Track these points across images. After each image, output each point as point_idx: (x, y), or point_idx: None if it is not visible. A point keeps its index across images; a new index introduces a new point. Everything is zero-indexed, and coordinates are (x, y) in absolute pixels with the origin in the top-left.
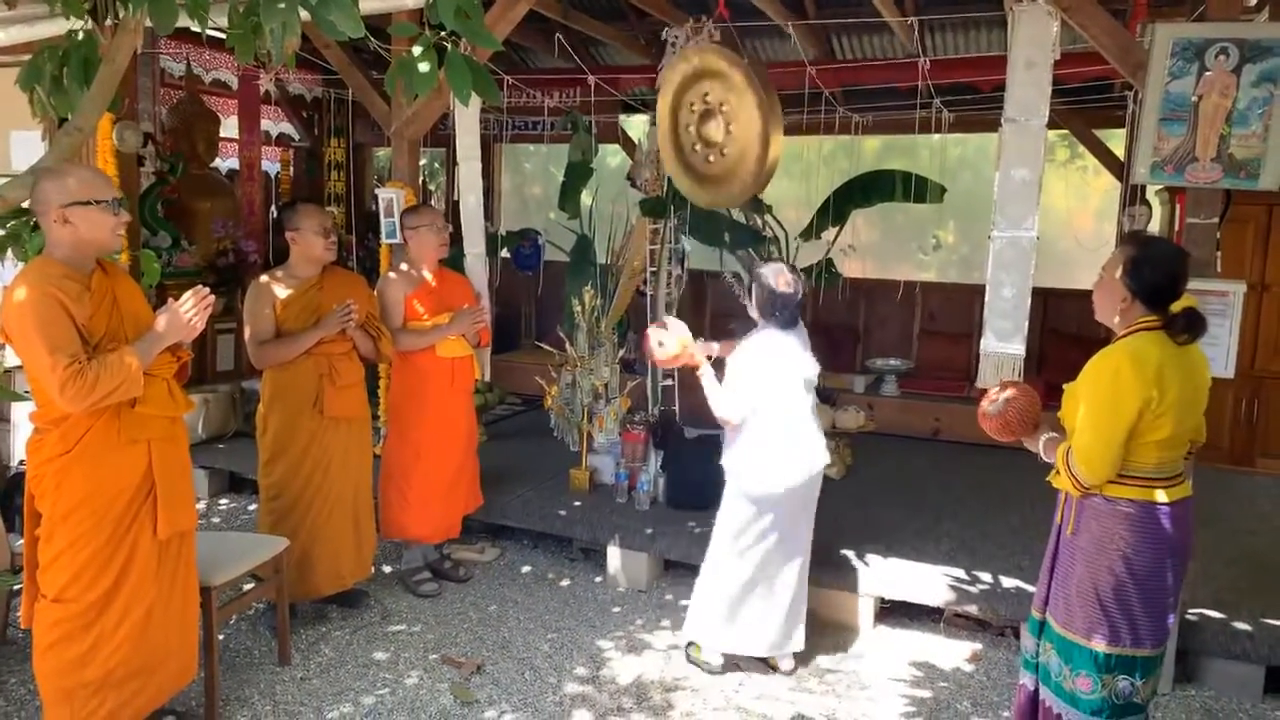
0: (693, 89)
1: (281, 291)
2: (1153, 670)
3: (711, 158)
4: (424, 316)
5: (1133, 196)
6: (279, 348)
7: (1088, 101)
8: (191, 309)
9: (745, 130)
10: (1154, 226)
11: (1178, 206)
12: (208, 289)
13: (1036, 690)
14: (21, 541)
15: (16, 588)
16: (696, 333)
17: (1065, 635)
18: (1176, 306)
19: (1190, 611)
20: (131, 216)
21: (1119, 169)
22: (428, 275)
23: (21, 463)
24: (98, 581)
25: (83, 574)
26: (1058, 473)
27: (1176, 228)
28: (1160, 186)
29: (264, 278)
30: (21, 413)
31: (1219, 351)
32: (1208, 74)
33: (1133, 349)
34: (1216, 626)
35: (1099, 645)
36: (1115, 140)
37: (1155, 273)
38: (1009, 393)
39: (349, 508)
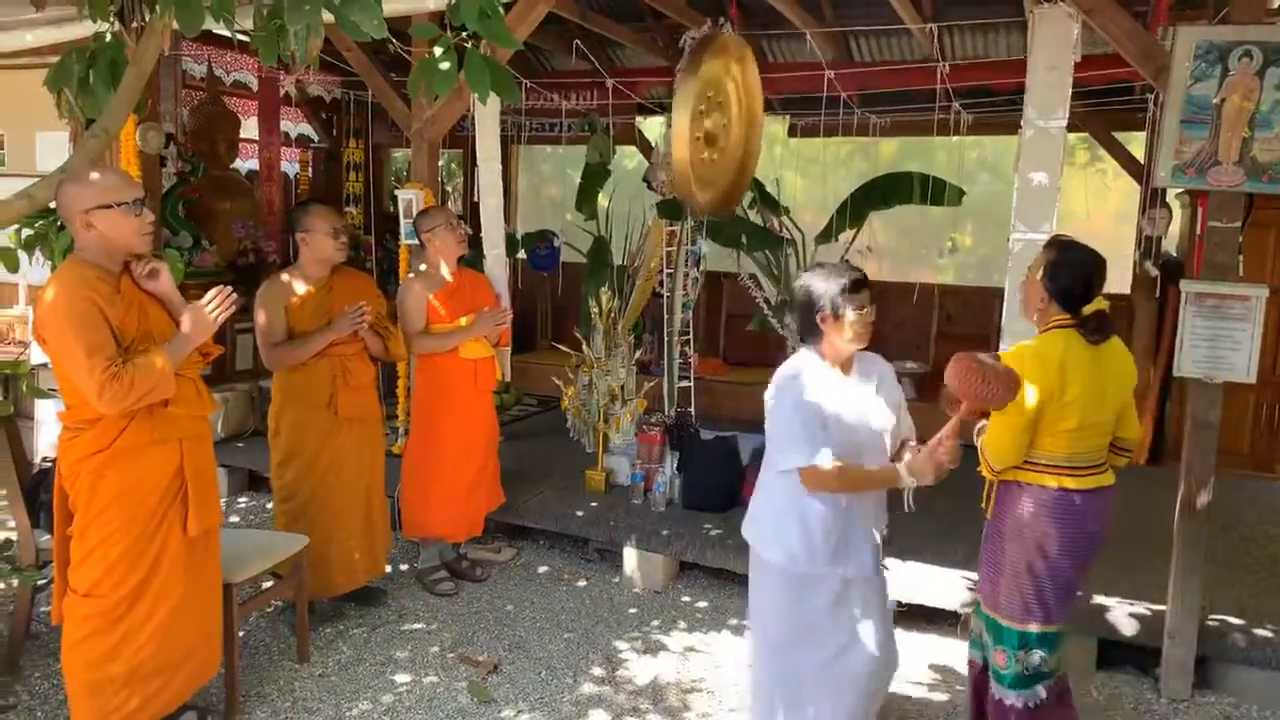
0: (704, 99)
1: (292, 293)
2: (1060, 644)
3: (714, 156)
4: (446, 318)
5: (1153, 199)
6: (292, 350)
7: (1108, 104)
8: (216, 308)
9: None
10: (1174, 230)
11: (1199, 210)
12: (230, 288)
13: (985, 667)
14: (47, 537)
15: (42, 583)
16: (710, 335)
17: (990, 614)
18: (1090, 309)
19: (1211, 617)
20: (154, 216)
21: (1139, 172)
22: (448, 276)
23: (44, 459)
24: (128, 577)
25: (114, 570)
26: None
27: (1198, 231)
28: (1181, 190)
29: (274, 279)
30: (45, 410)
31: (1240, 356)
32: (1231, 76)
33: (1039, 345)
34: (1237, 633)
35: (1020, 624)
36: (1136, 143)
37: (1070, 277)
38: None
39: (362, 507)
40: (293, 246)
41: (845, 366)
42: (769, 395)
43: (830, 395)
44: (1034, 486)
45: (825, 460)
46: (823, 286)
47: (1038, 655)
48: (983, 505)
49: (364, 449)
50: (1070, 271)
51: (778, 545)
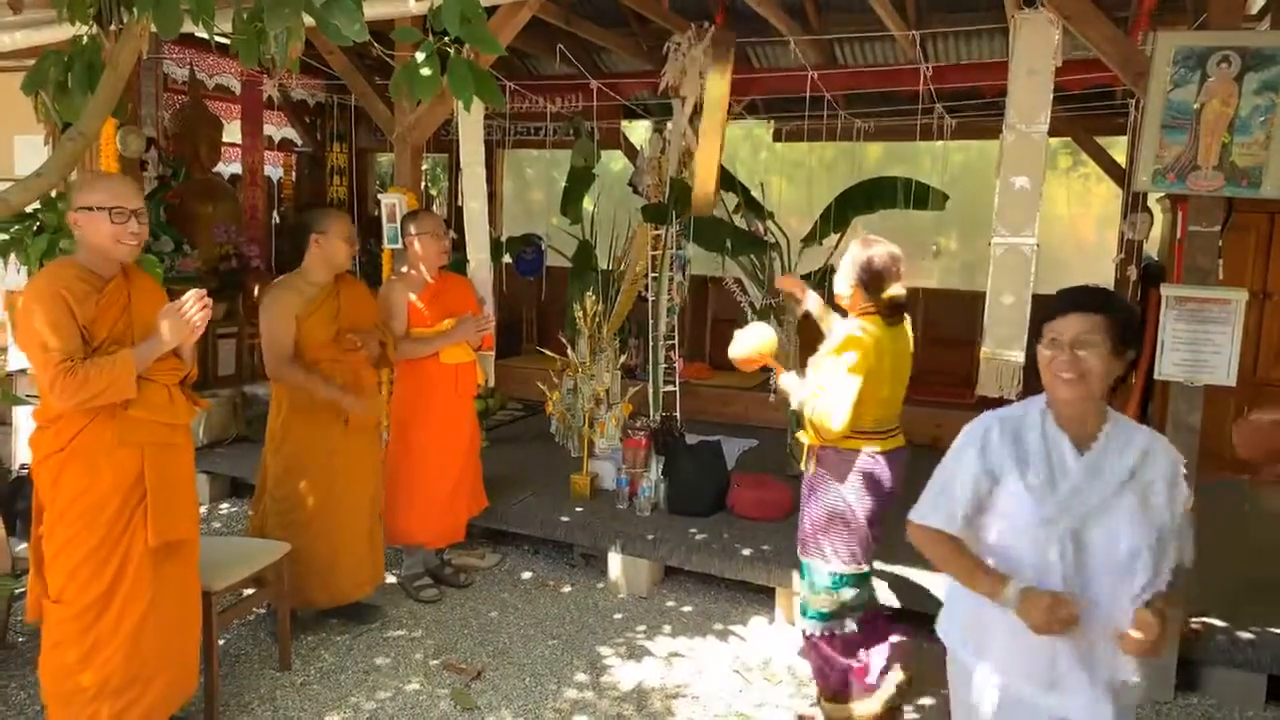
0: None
1: (300, 300)
2: (867, 581)
3: None
4: (428, 320)
5: (1134, 204)
6: (303, 378)
7: (1089, 109)
8: (194, 310)
9: None
10: (1155, 234)
11: (1180, 214)
12: (205, 292)
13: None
14: (23, 545)
15: (19, 591)
16: (696, 339)
17: (809, 561)
18: (887, 295)
19: (1193, 620)
20: (140, 227)
21: (1121, 176)
22: (430, 279)
23: (23, 466)
24: (92, 584)
25: (77, 574)
26: (803, 429)
27: (1178, 235)
28: (1162, 194)
29: (280, 286)
30: (22, 417)
31: (1221, 360)
32: (1209, 82)
33: (861, 329)
34: (1219, 634)
35: (836, 566)
36: (1117, 148)
37: (870, 269)
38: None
39: (366, 515)
40: (274, 251)
41: (1080, 432)
42: None
43: (1017, 469)
44: (849, 451)
45: (936, 521)
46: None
47: (851, 593)
48: (802, 466)
49: (367, 457)
50: (873, 265)
51: (982, 652)
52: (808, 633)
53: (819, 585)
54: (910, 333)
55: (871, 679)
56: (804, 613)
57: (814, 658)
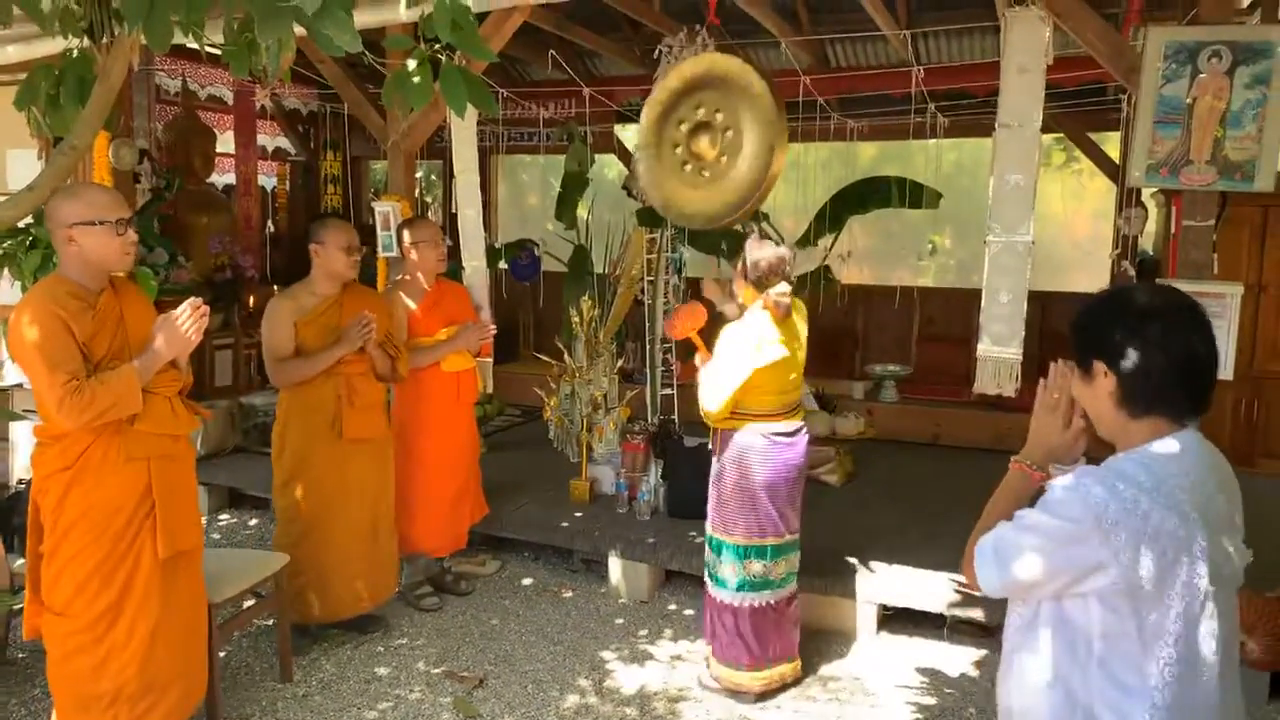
0: (683, 103)
1: (300, 308)
2: (781, 554)
3: (706, 172)
4: (427, 329)
5: (1128, 199)
6: (299, 366)
7: (1082, 105)
8: (188, 320)
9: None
10: (1150, 229)
11: (1174, 209)
12: (201, 300)
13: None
14: (21, 561)
15: (17, 608)
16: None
17: (715, 536)
18: (777, 293)
19: None
20: (134, 236)
21: (1114, 172)
22: (428, 287)
23: (20, 482)
24: (100, 596)
25: (85, 588)
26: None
27: (1173, 230)
28: (1156, 189)
29: (283, 294)
30: (20, 432)
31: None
32: (1201, 76)
33: (745, 327)
34: None
35: (738, 539)
36: (1110, 143)
37: (758, 268)
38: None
39: (368, 529)
40: (270, 261)
41: None
42: None
43: None
44: (750, 431)
45: None
46: None
47: (758, 564)
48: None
49: (370, 471)
50: (759, 266)
51: None
52: (722, 601)
53: (726, 556)
54: (803, 324)
55: (762, 655)
56: (720, 584)
57: (719, 624)
